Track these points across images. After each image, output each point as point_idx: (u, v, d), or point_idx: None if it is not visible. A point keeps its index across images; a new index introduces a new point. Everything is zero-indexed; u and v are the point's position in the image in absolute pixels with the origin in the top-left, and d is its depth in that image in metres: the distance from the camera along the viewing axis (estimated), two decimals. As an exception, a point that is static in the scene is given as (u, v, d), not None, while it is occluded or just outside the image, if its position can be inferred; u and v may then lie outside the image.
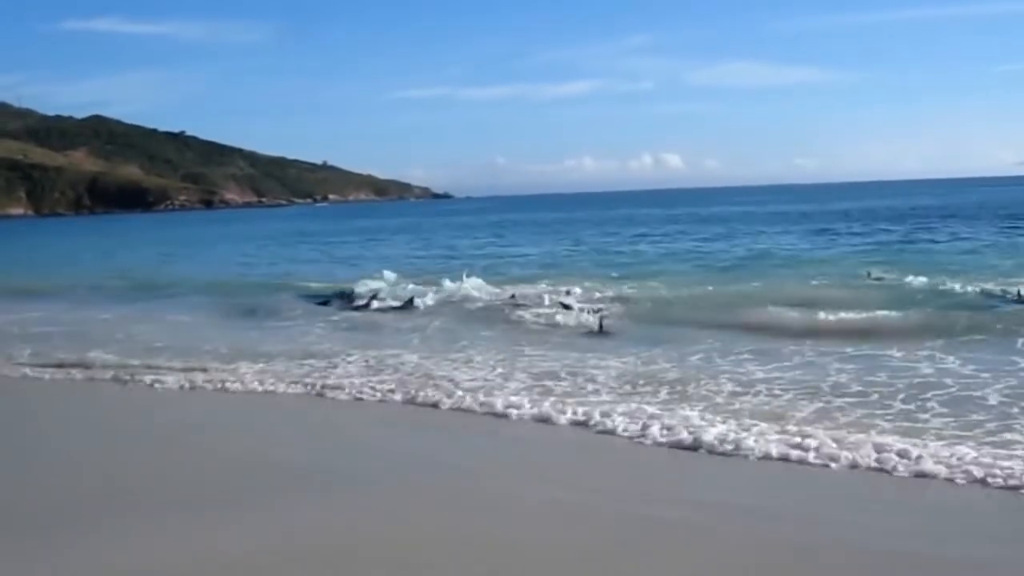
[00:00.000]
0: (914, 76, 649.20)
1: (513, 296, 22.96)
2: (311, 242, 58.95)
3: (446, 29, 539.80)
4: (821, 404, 10.83)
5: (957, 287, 21.56)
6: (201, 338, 17.99)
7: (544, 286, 25.07)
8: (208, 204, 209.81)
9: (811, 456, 8.62)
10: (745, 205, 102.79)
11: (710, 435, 9.35)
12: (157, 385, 13.59)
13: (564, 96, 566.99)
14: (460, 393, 11.98)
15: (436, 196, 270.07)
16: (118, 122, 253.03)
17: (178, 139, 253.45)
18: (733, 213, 78.63)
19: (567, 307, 21.35)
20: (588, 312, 20.27)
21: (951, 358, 13.31)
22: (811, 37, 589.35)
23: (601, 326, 18.55)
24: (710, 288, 23.73)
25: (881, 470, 8.27)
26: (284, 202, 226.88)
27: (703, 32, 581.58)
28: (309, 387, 13.02)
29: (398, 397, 12.17)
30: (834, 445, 8.80)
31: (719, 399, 11.38)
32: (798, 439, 9.05)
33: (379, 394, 12.40)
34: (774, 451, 8.82)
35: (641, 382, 12.45)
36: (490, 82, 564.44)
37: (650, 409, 10.62)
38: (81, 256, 52.08)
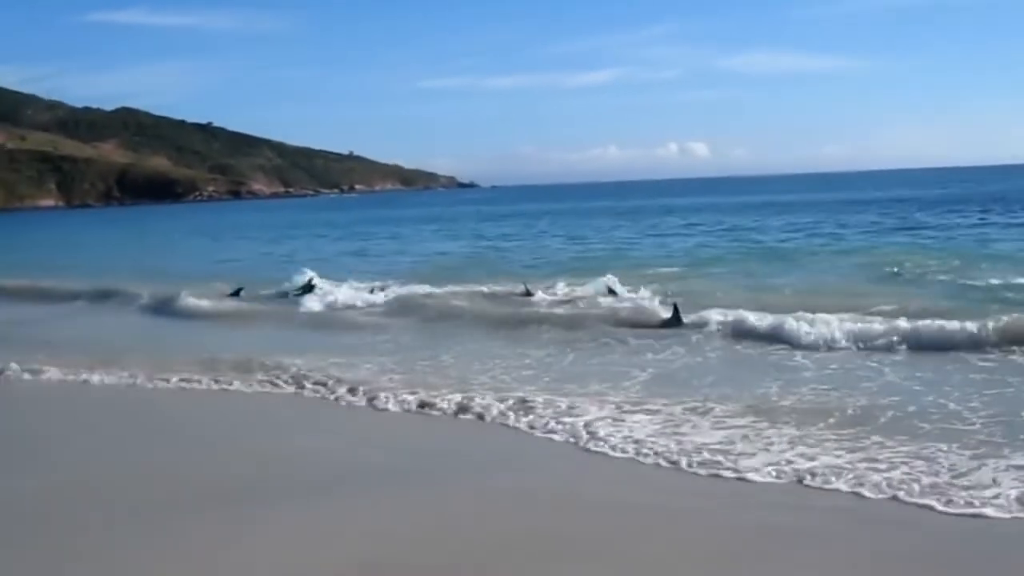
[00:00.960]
0: (942, 61, 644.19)
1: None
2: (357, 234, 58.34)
3: (470, 17, 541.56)
4: None
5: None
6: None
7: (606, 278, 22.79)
8: (236, 195, 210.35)
9: None
10: (797, 193, 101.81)
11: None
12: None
13: (589, 84, 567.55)
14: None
15: (462, 185, 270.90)
16: (146, 114, 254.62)
17: (206, 130, 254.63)
18: (788, 202, 76.81)
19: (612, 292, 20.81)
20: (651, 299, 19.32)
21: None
22: (837, 23, 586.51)
23: (676, 314, 17.14)
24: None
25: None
26: (311, 192, 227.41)
27: (729, 19, 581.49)
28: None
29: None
30: None
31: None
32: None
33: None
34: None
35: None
36: (515, 70, 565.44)
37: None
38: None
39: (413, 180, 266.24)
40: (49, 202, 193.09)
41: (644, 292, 20.72)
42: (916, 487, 7.61)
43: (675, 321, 17.01)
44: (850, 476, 7.91)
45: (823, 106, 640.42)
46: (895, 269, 23.85)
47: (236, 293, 24.83)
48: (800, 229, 42.89)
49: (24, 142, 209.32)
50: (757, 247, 34.41)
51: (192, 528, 7.30)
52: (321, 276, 25.34)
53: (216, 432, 10.98)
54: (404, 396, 11.69)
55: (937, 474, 7.92)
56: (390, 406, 11.47)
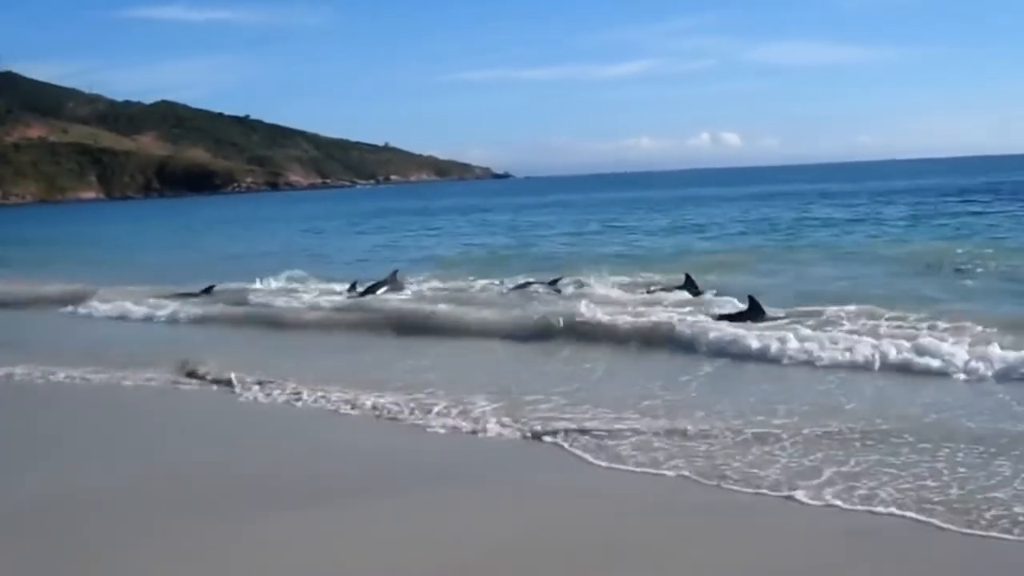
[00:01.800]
0: (974, 51, 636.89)
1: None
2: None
3: (504, 9, 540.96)
4: None
5: None
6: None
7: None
8: (274, 186, 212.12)
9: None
10: (834, 182, 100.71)
11: None
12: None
13: (622, 75, 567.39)
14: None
15: (496, 176, 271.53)
16: (185, 107, 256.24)
17: (243, 123, 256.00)
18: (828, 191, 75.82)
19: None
20: None
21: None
22: (870, 13, 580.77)
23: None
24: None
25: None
26: (347, 183, 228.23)
27: (761, 10, 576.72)
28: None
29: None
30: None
31: None
32: None
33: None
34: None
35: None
36: (549, 62, 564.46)
37: None
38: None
39: (448, 171, 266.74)
40: (90, 194, 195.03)
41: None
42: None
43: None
44: None
45: (855, 95, 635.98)
46: (959, 267, 22.12)
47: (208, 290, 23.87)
48: (849, 220, 42.17)
49: (66, 135, 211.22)
50: (807, 240, 33.02)
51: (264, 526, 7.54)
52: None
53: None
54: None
55: None
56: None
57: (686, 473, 8.40)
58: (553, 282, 21.70)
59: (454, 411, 10.98)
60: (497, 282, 22.97)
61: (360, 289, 22.44)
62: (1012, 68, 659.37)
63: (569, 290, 20.85)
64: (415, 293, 22.17)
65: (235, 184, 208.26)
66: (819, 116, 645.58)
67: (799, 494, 7.71)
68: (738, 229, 40.00)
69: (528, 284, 21.92)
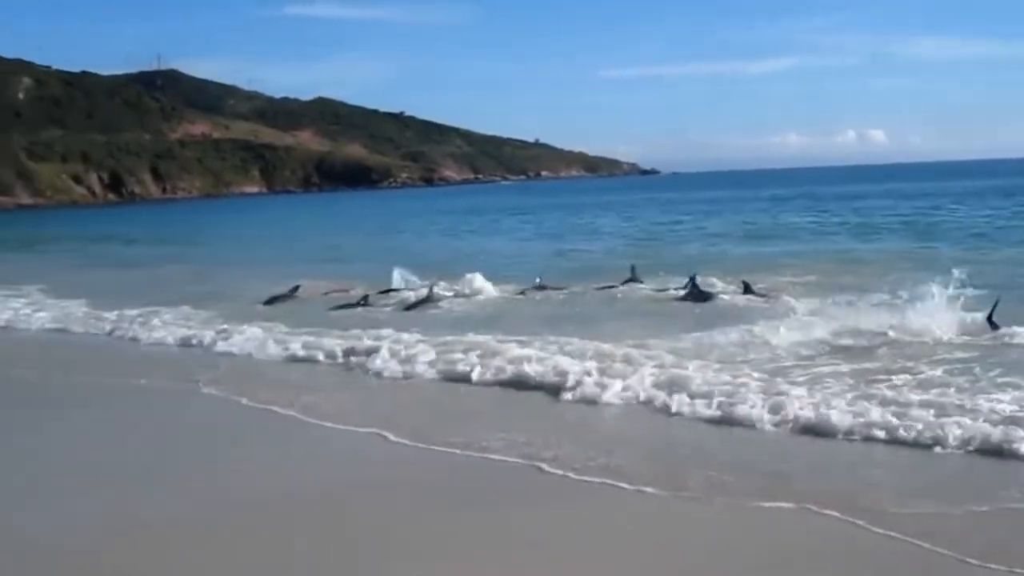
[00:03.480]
0: None
1: None
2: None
3: (651, 5, 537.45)
4: None
5: None
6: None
7: None
8: (428, 181, 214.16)
9: None
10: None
11: None
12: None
13: (769, 71, 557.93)
14: None
15: (644, 172, 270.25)
16: (341, 103, 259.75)
17: (398, 119, 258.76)
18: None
19: None
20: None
21: None
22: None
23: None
24: None
25: None
26: (499, 178, 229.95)
27: (909, 5, 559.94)
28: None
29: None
30: None
31: None
32: None
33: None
34: None
35: None
36: (694, 59, 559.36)
37: None
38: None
39: (597, 167, 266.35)
40: (253, 188, 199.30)
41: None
42: None
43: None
44: None
45: (1008, 91, 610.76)
46: None
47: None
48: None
49: (228, 131, 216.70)
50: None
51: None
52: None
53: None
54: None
55: None
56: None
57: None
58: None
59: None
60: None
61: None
62: None
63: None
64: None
65: (391, 179, 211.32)
66: (968, 113, 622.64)
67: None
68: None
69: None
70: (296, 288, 24.61)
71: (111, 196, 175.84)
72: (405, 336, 16.48)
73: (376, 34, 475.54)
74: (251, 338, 17.52)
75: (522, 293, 23.31)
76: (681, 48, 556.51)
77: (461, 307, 21.97)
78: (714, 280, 23.12)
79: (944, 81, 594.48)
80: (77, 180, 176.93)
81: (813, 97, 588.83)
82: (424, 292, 23.12)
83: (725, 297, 21.03)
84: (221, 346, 17.43)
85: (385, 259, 29.22)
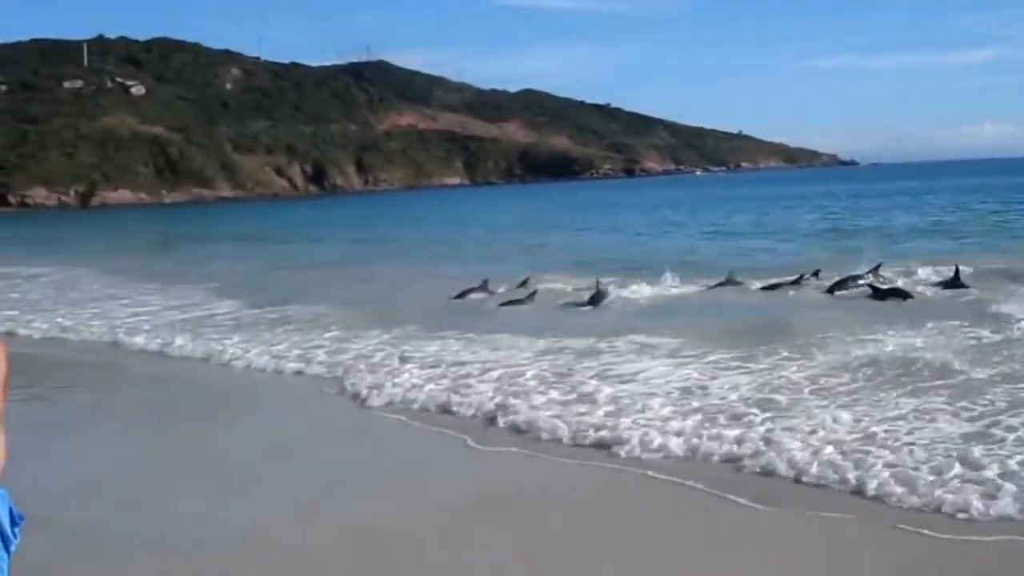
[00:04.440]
0: None
1: None
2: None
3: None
4: None
5: None
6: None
7: None
8: (630, 172, 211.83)
9: None
10: None
11: None
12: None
13: (971, 62, 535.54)
14: None
15: (842, 163, 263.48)
16: (548, 95, 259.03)
17: (604, 110, 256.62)
18: None
19: None
20: None
21: None
22: None
23: None
24: None
25: None
26: (700, 170, 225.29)
27: None
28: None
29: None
30: None
31: None
32: None
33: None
34: None
35: None
36: (894, 50, 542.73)
37: None
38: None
39: (796, 158, 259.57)
40: (455, 180, 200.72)
41: None
42: None
43: None
44: None
45: None
46: None
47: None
48: None
49: (434, 122, 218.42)
50: None
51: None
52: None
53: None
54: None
55: None
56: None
57: None
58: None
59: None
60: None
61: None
62: None
63: None
64: None
65: (593, 171, 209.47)
66: None
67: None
68: None
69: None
70: (486, 282, 22.99)
71: (312, 188, 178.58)
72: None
73: (587, 26, 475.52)
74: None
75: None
76: (883, 39, 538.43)
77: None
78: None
79: None
80: (279, 172, 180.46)
81: (1011, 87, 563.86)
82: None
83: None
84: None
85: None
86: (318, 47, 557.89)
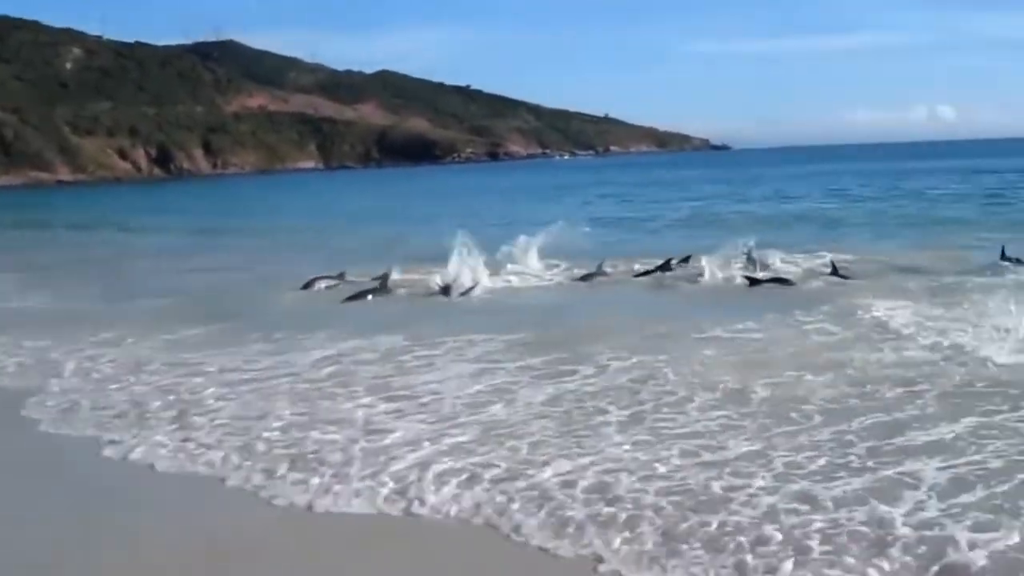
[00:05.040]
0: None
1: None
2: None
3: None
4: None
5: None
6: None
7: None
8: (493, 156, 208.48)
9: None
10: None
11: None
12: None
13: (843, 48, 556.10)
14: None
15: (714, 147, 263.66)
16: (405, 76, 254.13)
17: (464, 93, 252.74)
18: None
19: None
20: None
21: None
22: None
23: None
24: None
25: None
26: (567, 154, 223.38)
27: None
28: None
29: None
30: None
31: None
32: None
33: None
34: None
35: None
36: (768, 35, 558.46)
37: None
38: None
39: (667, 142, 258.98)
40: (309, 164, 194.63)
41: None
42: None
43: None
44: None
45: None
46: None
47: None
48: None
49: (286, 104, 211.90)
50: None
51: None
52: None
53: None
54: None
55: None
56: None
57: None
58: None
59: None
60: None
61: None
62: None
63: None
64: None
65: (455, 155, 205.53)
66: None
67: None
68: None
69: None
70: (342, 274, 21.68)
71: (158, 171, 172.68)
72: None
73: (444, 5, 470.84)
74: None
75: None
76: (753, 24, 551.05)
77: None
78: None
79: (1014, 57, 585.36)
80: (123, 155, 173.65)
81: (883, 73, 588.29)
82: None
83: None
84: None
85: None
86: (164, 27, 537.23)
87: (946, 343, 12.34)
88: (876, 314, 14.56)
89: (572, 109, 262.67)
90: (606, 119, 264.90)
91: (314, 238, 36.19)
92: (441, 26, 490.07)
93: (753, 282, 19.18)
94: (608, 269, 21.66)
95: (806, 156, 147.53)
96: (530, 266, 21.96)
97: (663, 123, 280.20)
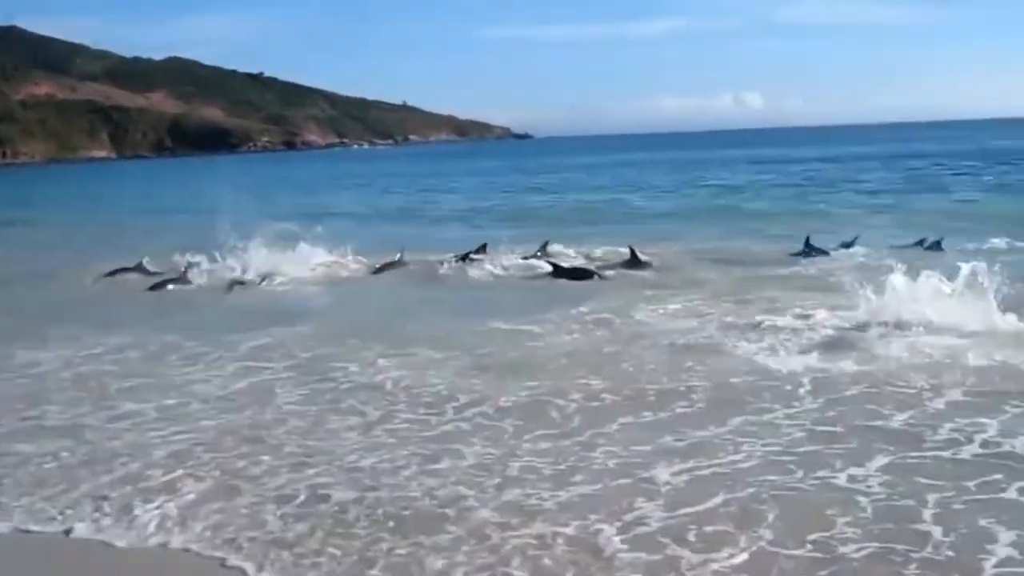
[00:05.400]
0: (1002, 13, 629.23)
1: None
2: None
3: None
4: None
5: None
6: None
7: None
8: (291, 145, 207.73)
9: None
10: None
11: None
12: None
13: (647, 34, 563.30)
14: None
15: (516, 136, 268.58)
16: (197, 63, 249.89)
17: (258, 80, 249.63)
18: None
19: None
20: None
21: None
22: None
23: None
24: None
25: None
26: (366, 143, 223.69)
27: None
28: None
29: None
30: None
31: None
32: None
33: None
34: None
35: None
36: (573, 20, 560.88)
37: None
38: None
39: (467, 131, 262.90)
40: (102, 152, 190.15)
41: None
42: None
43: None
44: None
45: (882, 57, 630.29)
46: None
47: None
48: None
49: (75, 93, 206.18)
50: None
51: None
52: None
53: None
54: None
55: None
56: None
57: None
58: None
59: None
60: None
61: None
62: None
63: None
64: None
65: (251, 143, 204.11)
66: (842, 77, 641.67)
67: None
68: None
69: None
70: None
71: None
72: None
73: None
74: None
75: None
76: (561, 9, 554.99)
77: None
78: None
79: (821, 45, 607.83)
80: None
81: (689, 60, 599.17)
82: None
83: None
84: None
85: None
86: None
87: (724, 342, 12.20)
88: (657, 309, 14.65)
89: (370, 97, 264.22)
90: (404, 107, 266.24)
91: (107, 229, 35.01)
92: (231, 12, 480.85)
93: (556, 273, 19.00)
94: (405, 259, 21.45)
95: (608, 145, 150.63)
96: (324, 258, 21.76)
97: (464, 112, 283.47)
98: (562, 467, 7.87)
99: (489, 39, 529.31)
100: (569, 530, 6.61)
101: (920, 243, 20.39)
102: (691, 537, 6.44)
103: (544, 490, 7.39)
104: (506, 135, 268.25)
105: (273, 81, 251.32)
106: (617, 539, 6.44)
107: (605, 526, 6.65)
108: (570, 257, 21.29)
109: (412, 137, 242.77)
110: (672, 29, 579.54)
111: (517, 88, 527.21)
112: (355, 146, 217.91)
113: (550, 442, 8.53)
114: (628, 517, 6.80)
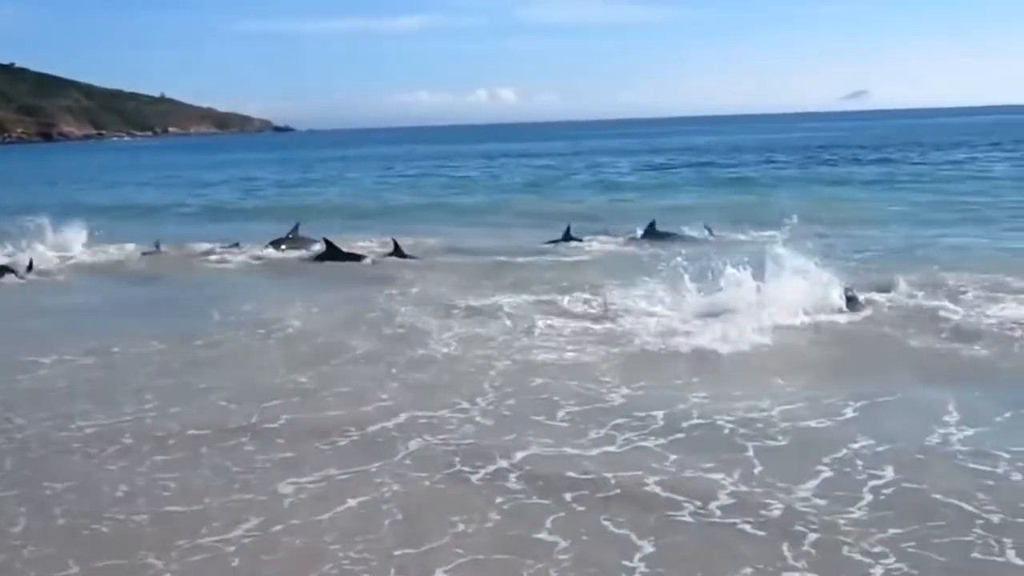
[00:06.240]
0: (741, 14, 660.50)
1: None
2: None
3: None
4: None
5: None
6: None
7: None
8: (47, 137, 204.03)
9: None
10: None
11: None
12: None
13: (402, 30, 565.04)
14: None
15: (277, 129, 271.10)
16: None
17: (9, 70, 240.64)
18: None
19: None
20: None
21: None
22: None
23: None
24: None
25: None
26: (125, 135, 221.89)
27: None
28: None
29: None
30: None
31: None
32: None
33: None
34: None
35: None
36: (331, 14, 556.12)
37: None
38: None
39: (227, 123, 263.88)
40: None
41: None
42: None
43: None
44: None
45: (632, 55, 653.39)
46: None
47: None
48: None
49: None
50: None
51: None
52: None
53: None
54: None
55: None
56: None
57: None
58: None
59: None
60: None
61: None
62: (770, 34, 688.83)
63: None
64: None
65: (6, 134, 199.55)
66: (594, 74, 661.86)
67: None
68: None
69: None
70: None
71: None
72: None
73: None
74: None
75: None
76: (318, 3, 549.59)
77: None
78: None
79: (566, 44, 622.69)
80: None
81: (442, 56, 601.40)
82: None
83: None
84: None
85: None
86: None
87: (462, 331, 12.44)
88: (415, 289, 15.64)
89: (127, 89, 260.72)
90: (163, 99, 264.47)
91: None
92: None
93: (323, 257, 19.85)
94: (164, 248, 21.98)
95: (365, 138, 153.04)
96: (74, 249, 21.95)
97: (223, 105, 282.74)
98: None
99: (246, 32, 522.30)
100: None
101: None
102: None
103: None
104: (266, 128, 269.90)
105: (25, 71, 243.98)
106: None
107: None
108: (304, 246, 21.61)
109: (172, 129, 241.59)
110: (421, 25, 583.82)
111: (277, 82, 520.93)
112: (114, 138, 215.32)
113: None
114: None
